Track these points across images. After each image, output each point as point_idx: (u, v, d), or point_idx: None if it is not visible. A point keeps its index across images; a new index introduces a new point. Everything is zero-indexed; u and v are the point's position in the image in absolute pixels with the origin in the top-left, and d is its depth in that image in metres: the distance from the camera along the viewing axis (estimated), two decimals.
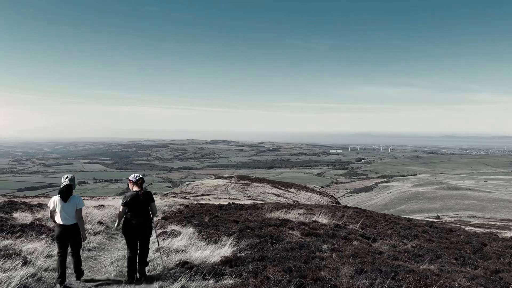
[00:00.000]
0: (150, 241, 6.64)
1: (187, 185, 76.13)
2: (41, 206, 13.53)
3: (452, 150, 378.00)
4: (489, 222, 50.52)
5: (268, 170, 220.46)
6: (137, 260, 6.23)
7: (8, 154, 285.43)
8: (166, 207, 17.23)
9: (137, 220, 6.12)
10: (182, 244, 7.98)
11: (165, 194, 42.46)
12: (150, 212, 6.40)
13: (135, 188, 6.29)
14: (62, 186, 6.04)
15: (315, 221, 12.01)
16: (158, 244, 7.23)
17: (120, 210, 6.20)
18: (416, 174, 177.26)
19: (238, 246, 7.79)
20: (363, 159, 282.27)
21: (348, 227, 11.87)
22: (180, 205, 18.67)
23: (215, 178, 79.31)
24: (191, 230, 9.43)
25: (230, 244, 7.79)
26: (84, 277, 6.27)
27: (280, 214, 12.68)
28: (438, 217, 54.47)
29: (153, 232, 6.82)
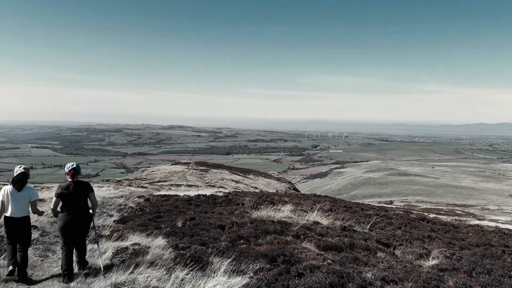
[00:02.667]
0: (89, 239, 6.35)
1: (143, 171, 74.20)
2: None
3: (402, 137, 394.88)
4: (436, 207, 53.51)
5: (225, 156, 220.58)
6: (75, 260, 5.75)
7: None
8: (122, 200, 14.87)
9: (71, 215, 5.56)
10: (154, 276, 5.21)
11: (118, 181, 40.89)
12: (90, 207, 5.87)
13: (68, 179, 5.71)
14: (16, 174, 5.60)
15: (316, 223, 10.26)
16: (98, 246, 6.15)
17: (53, 202, 5.64)
18: (368, 161, 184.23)
19: (241, 276, 5.25)
20: (319, 145, 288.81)
21: (356, 229, 10.30)
22: (139, 196, 16.43)
23: (172, 164, 77.88)
24: (161, 242, 6.90)
25: (227, 273, 5.38)
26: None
27: (269, 213, 10.74)
28: (391, 202, 56.78)
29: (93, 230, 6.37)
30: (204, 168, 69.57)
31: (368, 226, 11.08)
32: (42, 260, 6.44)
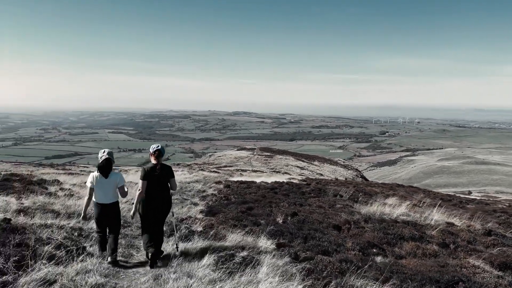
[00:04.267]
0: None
1: (210, 156, 76.77)
2: (51, 184, 10.98)
3: (480, 123, 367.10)
4: None
5: (289, 142, 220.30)
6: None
7: (35, 123, 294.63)
8: (200, 185, 14.26)
9: (155, 199, 5.46)
10: None
11: (188, 165, 42.79)
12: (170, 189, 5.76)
13: (153, 161, 5.60)
14: (100, 161, 5.56)
15: (450, 224, 8.68)
16: (175, 233, 5.97)
17: (140, 184, 5.44)
18: (442, 148, 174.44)
19: None
20: (387, 132, 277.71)
21: (501, 232, 8.60)
22: (217, 182, 15.67)
23: (237, 150, 79.65)
24: (270, 246, 5.82)
25: None
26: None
27: (380, 208, 9.29)
28: (469, 193, 53.29)
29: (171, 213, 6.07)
30: (268, 154, 70.20)
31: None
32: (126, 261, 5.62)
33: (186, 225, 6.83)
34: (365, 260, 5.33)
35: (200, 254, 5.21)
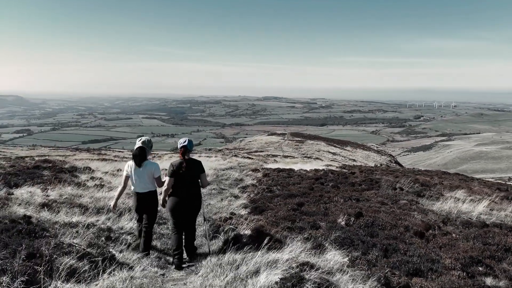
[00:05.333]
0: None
1: (241, 141, 76.86)
2: (83, 171, 10.48)
3: None
4: None
5: (320, 127, 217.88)
6: (184, 244, 5.44)
7: (72, 108, 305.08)
8: (236, 173, 13.54)
9: (183, 195, 5.26)
10: None
11: (220, 150, 42.83)
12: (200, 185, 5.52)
13: (180, 156, 5.41)
14: (135, 149, 5.43)
15: None
16: (206, 225, 5.83)
17: (166, 181, 5.29)
18: (479, 133, 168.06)
19: None
20: (422, 116, 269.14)
21: None
22: (254, 170, 14.76)
23: (268, 135, 79.25)
24: (342, 261, 4.66)
25: None
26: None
27: (457, 205, 7.77)
28: (510, 179, 50.78)
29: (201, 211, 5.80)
30: (299, 139, 69.51)
31: None
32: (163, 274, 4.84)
33: (230, 226, 5.92)
34: (474, 285, 4.16)
35: (254, 270, 4.10)
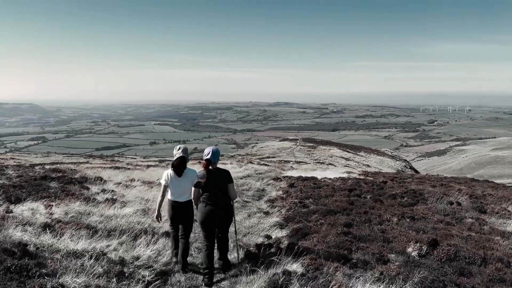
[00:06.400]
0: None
1: (252, 147, 76.45)
2: (93, 182, 9.74)
3: None
4: None
5: (332, 132, 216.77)
6: (216, 258, 5.32)
7: (86, 116, 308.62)
8: (258, 183, 12.59)
9: (211, 206, 5.12)
10: None
11: (232, 156, 42.47)
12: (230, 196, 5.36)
13: (203, 168, 5.31)
14: (175, 158, 5.38)
15: None
16: (236, 234, 5.66)
17: (192, 192, 5.26)
18: (495, 137, 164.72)
19: None
20: (436, 120, 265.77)
21: None
22: (275, 179, 13.73)
23: (280, 141, 78.73)
24: None
25: None
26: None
27: None
28: None
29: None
30: (311, 144, 68.86)
31: None
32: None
33: (273, 258, 4.88)
34: None
35: None
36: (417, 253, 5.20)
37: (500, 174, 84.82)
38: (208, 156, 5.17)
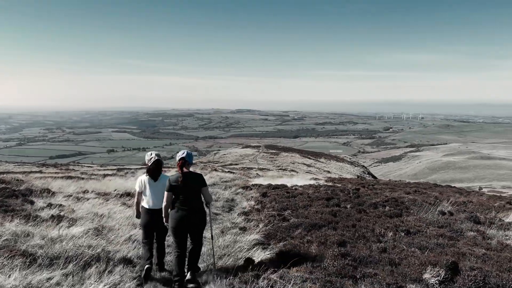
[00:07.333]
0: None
1: (215, 154, 75.51)
2: (40, 194, 8.61)
3: (484, 118, 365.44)
4: None
5: (293, 139, 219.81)
6: (186, 265, 4.94)
7: (39, 123, 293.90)
8: (226, 193, 11.70)
9: (183, 212, 4.84)
10: None
11: (194, 163, 41.29)
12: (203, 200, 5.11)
13: (178, 170, 5.08)
14: (150, 163, 5.25)
15: None
16: (212, 239, 5.28)
17: (165, 197, 4.93)
18: (446, 144, 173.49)
19: None
20: (391, 128, 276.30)
21: None
22: (244, 188, 12.89)
23: (242, 148, 78.32)
24: None
25: None
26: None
27: None
28: (480, 188, 51.64)
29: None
30: (274, 151, 69.02)
31: None
32: None
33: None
34: None
35: None
36: (437, 280, 4.36)
37: (452, 179, 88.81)
38: (184, 155, 4.96)
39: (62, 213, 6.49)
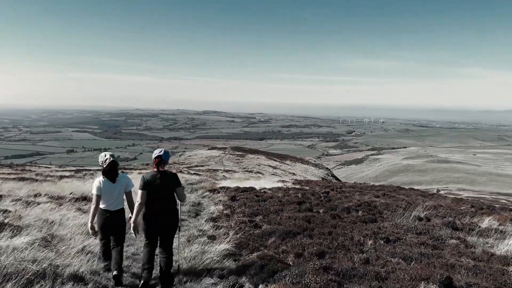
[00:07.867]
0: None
1: (180, 155, 74.10)
2: None
3: (441, 123, 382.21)
4: (479, 195, 50.10)
5: (259, 141, 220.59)
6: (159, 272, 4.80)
7: None
8: (193, 196, 11.29)
9: (157, 212, 4.74)
10: None
11: None
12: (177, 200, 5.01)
13: (154, 168, 4.93)
14: (105, 165, 5.02)
15: None
16: (178, 247, 5.12)
17: (139, 195, 4.71)
18: (406, 147, 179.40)
19: None
20: (354, 131, 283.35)
21: None
22: (211, 191, 12.37)
23: (208, 149, 77.41)
24: None
25: None
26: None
27: None
28: (438, 191, 53.58)
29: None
30: (240, 153, 68.75)
31: None
32: None
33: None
34: None
35: None
36: None
37: (410, 181, 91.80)
38: (161, 153, 4.81)
39: (6, 220, 5.77)
